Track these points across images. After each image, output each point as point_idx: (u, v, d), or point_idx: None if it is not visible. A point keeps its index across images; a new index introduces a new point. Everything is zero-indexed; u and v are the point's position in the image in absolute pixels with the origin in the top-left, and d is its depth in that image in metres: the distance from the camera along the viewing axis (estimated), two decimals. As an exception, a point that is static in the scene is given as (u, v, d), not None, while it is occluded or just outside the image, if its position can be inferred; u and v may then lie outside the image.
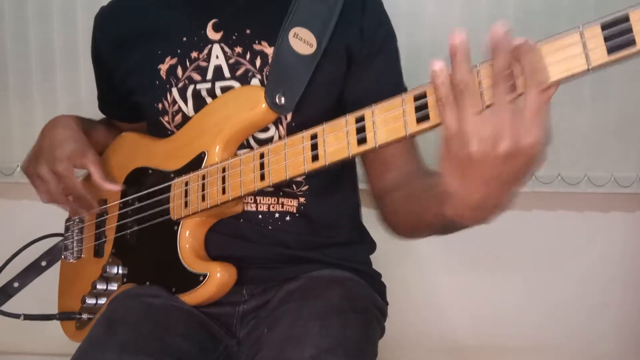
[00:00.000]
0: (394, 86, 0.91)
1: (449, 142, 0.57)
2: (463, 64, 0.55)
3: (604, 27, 0.51)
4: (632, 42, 0.50)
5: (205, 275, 0.83)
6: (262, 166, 0.77)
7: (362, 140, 0.67)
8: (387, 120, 0.65)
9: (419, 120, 0.62)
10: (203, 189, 0.84)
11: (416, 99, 0.63)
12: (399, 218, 0.84)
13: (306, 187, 0.91)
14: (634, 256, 1.54)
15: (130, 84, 0.95)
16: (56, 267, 1.10)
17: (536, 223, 1.55)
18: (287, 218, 0.91)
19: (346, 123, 0.69)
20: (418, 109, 0.63)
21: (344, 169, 0.98)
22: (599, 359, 1.58)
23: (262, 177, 0.77)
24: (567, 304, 1.56)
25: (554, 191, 1.47)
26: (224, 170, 0.82)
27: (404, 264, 1.56)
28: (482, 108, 0.55)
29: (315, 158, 0.71)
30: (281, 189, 0.91)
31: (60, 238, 1.08)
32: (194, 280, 0.84)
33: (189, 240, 0.87)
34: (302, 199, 0.92)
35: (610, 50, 0.51)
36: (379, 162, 0.90)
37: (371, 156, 0.91)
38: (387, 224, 0.87)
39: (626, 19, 0.50)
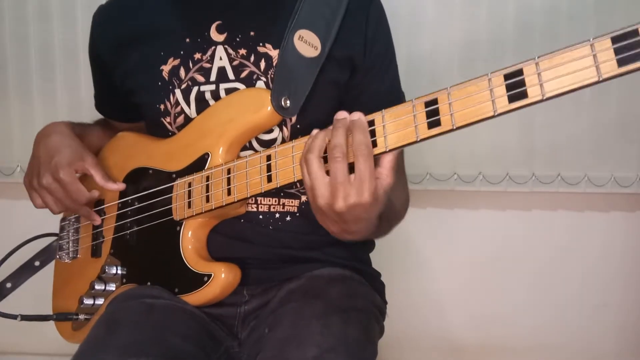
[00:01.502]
0: (396, 97, 0.93)
1: (307, 192, 0.70)
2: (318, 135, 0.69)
3: (614, 40, 0.54)
4: None
5: (209, 276, 0.83)
6: (269, 168, 0.77)
7: (372, 145, 0.68)
8: (398, 126, 0.67)
9: (430, 125, 0.64)
10: (207, 190, 0.84)
11: (427, 105, 0.64)
12: None
13: None
14: (634, 256, 1.54)
15: (131, 84, 0.95)
16: (51, 266, 1.09)
17: (536, 223, 1.56)
18: (288, 218, 0.91)
19: None
20: (429, 114, 0.64)
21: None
22: (599, 359, 1.58)
23: (270, 179, 0.77)
24: (567, 304, 1.56)
25: (554, 191, 1.47)
26: (229, 171, 0.82)
27: (404, 263, 1.56)
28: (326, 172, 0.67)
29: (324, 160, 0.71)
30: (282, 190, 0.91)
31: (54, 238, 1.08)
32: (198, 280, 0.84)
33: (191, 241, 0.87)
34: (303, 198, 0.92)
35: (621, 63, 0.54)
36: None
37: None
38: None
39: (636, 32, 0.53)
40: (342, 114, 0.70)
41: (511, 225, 1.56)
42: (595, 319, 1.57)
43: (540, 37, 1.39)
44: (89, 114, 1.14)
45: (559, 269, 1.55)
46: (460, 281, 1.58)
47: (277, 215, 0.91)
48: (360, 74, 0.90)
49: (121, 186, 0.95)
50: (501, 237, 1.56)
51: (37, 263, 1.07)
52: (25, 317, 0.97)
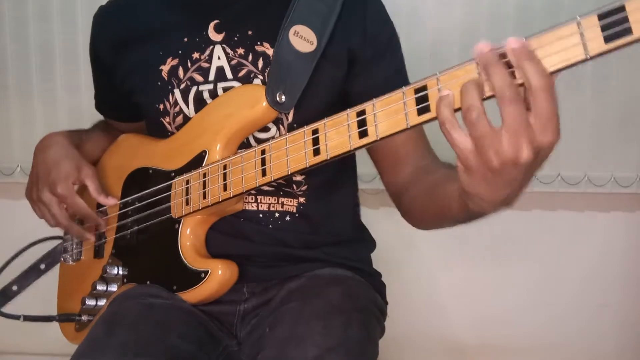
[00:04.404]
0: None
1: (465, 160, 0.57)
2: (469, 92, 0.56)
3: (600, 17, 0.53)
4: (629, 31, 0.51)
5: (206, 272, 0.83)
6: (263, 162, 0.77)
7: (363, 134, 0.68)
8: (389, 114, 0.66)
9: (420, 112, 0.64)
10: (204, 187, 0.84)
11: (417, 91, 0.64)
12: (421, 213, 0.83)
13: (305, 186, 0.91)
14: (634, 256, 1.54)
15: (131, 84, 0.95)
16: (56, 268, 1.09)
17: (536, 223, 1.56)
18: (287, 218, 0.91)
19: (347, 117, 0.69)
20: (419, 101, 0.64)
21: (343, 169, 0.98)
22: (598, 359, 1.58)
23: (264, 173, 0.77)
24: (567, 304, 1.56)
25: (554, 191, 1.47)
26: (225, 167, 0.82)
27: (404, 263, 1.56)
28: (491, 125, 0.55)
29: (316, 152, 0.71)
30: (281, 189, 0.91)
31: (59, 241, 1.08)
32: (195, 277, 0.84)
33: (190, 238, 0.87)
34: (301, 199, 0.92)
35: (607, 40, 0.52)
36: (392, 159, 0.90)
37: (382, 153, 0.91)
38: (408, 218, 0.88)
39: (622, 8, 0.51)
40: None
41: (512, 225, 1.56)
42: (595, 319, 1.57)
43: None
44: (89, 113, 1.14)
45: (559, 269, 1.55)
46: (461, 281, 1.58)
47: (277, 214, 0.91)
48: (364, 68, 0.90)
49: (112, 201, 0.95)
50: (502, 237, 1.56)
51: (42, 266, 1.07)
52: (28, 318, 0.97)
